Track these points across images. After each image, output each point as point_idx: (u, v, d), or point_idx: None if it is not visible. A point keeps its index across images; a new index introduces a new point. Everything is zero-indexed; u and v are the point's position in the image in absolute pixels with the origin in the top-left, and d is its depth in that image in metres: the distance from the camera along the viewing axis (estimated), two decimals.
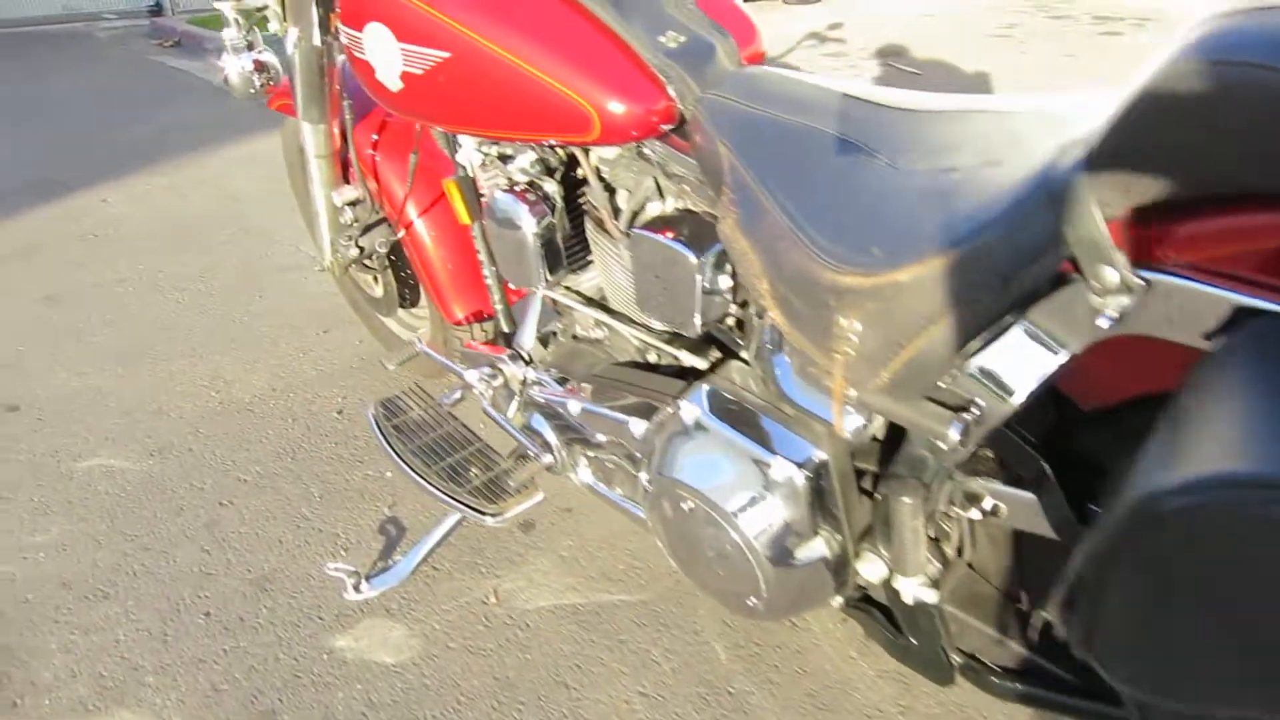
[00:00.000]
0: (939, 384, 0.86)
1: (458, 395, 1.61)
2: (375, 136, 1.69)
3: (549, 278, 1.32)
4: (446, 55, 1.14)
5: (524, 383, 1.48)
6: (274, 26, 1.51)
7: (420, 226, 1.70)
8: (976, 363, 0.83)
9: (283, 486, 1.82)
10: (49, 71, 6.27)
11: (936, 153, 0.88)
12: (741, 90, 1.08)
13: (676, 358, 1.28)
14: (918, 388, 0.87)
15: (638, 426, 1.25)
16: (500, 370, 1.48)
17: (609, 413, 1.30)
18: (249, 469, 1.88)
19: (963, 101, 0.94)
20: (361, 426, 2.01)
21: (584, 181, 1.30)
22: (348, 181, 1.82)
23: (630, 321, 1.36)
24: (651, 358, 1.38)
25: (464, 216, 1.52)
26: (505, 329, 1.64)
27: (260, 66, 1.51)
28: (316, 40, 1.49)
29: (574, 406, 1.37)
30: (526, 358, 1.49)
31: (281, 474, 1.86)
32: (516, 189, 1.28)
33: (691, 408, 1.13)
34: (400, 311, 2.12)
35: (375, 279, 2.01)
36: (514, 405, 1.50)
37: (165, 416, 2.07)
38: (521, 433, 1.44)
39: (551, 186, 1.29)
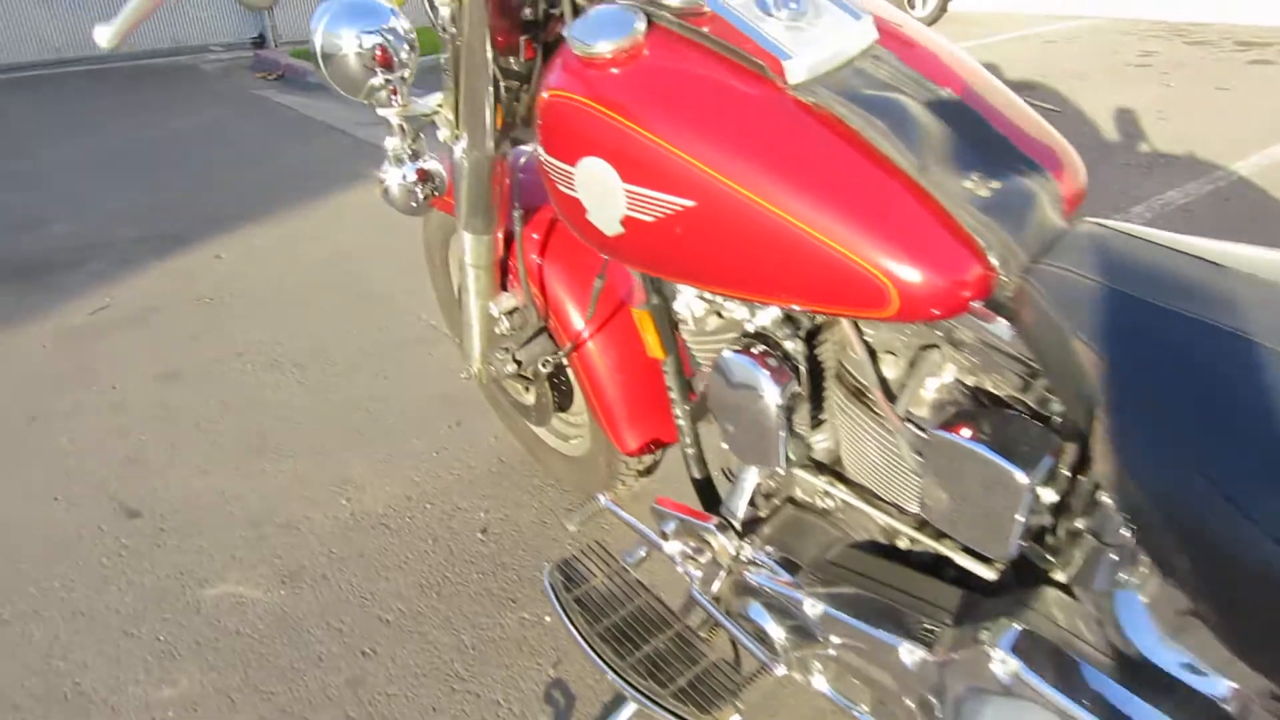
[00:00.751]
0: None
1: (642, 554, 1.38)
2: (545, 249, 1.48)
3: (790, 458, 1.07)
4: (690, 204, 0.91)
5: (735, 558, 1.23)
6: (442, 134, 1.31)
7: (595, 349, 1.48)
8: None
9: (430, 632, 1.61)
10: (161, 111, 6.32)
11: None
12: (1085, 259, 0.82)
13: (949, 559, 1.02)
14: None
15: (911, 655, 0.99)
16: (708, 544, 1.25)
17: (868, 629, 1.04)
18: (390, 605, 1.67)
19: None
20: (509, 551, 1.79)
21: (826, 337, 1.05)
22: (504, 288, 1.62)
23: (879, 501, 1.11)
24: (902, 544, 1.13)
25: (656, 350, 1.31)
26: (694, 474, 1.41)
27: (424, 176, 1.30)
28: (490, 150, 1.28)
29: (812, 608, 1.12)
30: (738, 528, 1.25)
31: (427, 613, 1.65)
32: (754, 350, 1.03)
33: (1006, 657, 0.87)
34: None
35: (526, 387, 1.80)
36: (718, 581, 1.26)
37: (294, 531, 1.88)
38: (738, 626, 1.19)
39: (795, 346, 1.04)
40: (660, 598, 1.32)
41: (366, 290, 3.08)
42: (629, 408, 1.52)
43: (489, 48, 1.16)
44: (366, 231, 3.68)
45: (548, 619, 1.62)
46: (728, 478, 1.43)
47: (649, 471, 1.73)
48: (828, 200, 0.85)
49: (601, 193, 0.98)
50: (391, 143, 1.29)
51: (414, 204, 1.33)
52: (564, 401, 1.82)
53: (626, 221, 0.98)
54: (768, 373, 1.02)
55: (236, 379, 2.53)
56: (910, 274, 0.83)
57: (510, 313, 1.60)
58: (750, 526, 1.25)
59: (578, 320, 1.49)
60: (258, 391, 2.46)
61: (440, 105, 1.28)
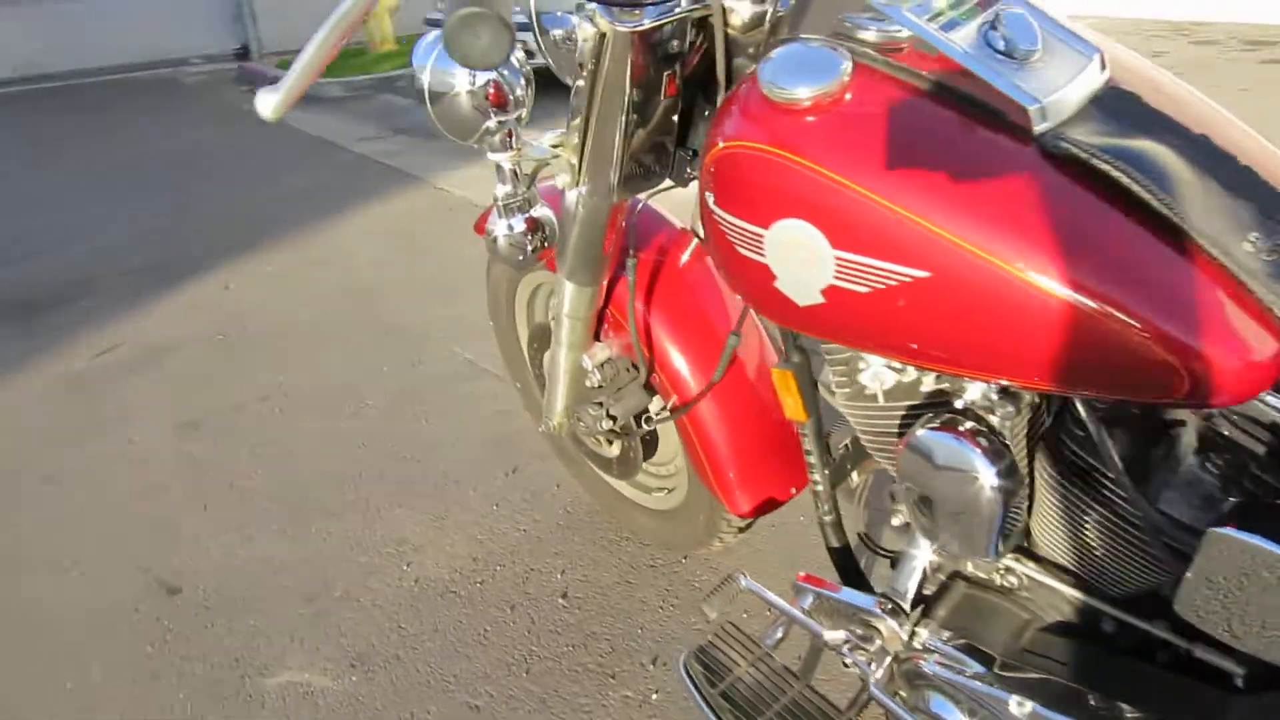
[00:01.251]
0: None
1: (780, 634, 1.24)
2: (654, 300, 1.34)
3: (1000, 548, 0.93)
4: (922, 274, 0.76)
5: (907, 644, 1.09)
6: (560, 181, 1.15)
7: (711, 406, 1.34)
8: None
9: (529, 719, 1.46)
10: (146, 129, 6.10)
11: None
12: None
13: (1166, 642, 0.89)
14: None
15: None
16: (874, 629, 1.10)
17: None
18: (478, 689, 1.51)
19: None
20: (596, 618, 1.64)
21: (1045, 410, 0.92)
22: (597, 338, 1.47)
23: (1085, 583, 0.97)
24: (1108, 628, 1.00)
25: (797, 412, 1.17)
26: (832, 543, 1.27)
27: (534, 226, 1.15)
28: (613, 198, 1.13)
29: (1019, 708, 0.97)
30: (907, 609, 1.11)
31: (521, 697, 1.49)
32: (961, 427, 0.89)
33: None
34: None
35: (610, 440, 1.65)
36: (882, 668, 1.12)
37: (355, 604, 1.72)
38: None
39: (1010, 421, 0.90)
40: (818, 690, 1.18)
41: (392, 321, 2.91)
42: (745, 468, 1.38)
43: (628, 85, 1.01)
44: (383, 255, 3.51)
45: (655, 697, 1.47)
46: (871, 548, 1.30)
47: (747, 528, 1.59)
48: (1100, 269, 0.71)
49: (802, 260, 0.83)
50: (502, 191, 1.13)
51: (521, 257, 1.17)
52: (648, 455, 1.68)
53: (830, 291, 0.83)
54: (982, 453, 0.88)
55: (264, 427, 2.36)
56: (1204, 354, 0.69)
57: (601, 365, 1.46)
58: (919, 607, 1.11)
59: (690, 375, 1.35)
60: (290, 440, 2.28)
61: (560, 148, 1.13)
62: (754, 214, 0.85)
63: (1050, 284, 0.72)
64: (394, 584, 1.77)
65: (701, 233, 1.36)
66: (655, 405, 1.48)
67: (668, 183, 1.18)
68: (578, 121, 1.08)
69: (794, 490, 1.42)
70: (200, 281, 3.38)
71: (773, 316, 0.93)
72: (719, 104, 0.96)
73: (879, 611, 1.10)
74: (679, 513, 1.66)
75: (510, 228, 1.15)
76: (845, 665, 1.14)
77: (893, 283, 0.79)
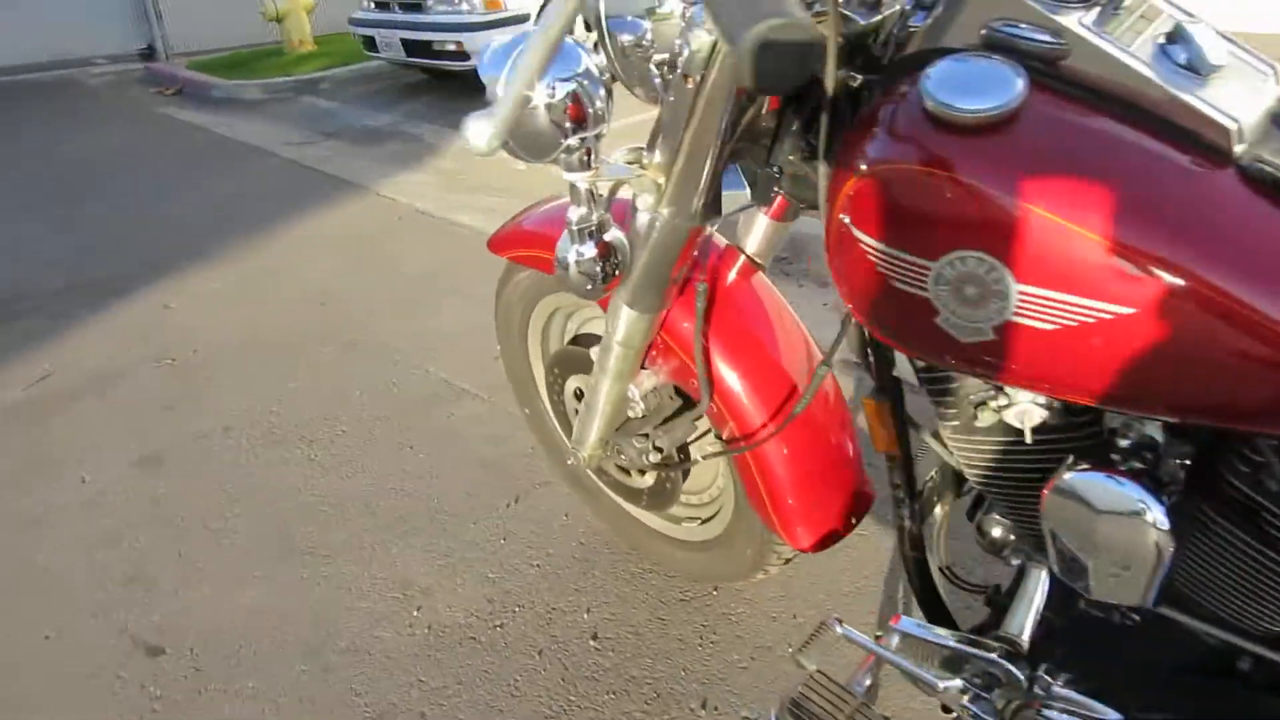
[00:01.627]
0: None
1: (869, 681, 1.16)
2: (718, 328, 1.25)
3: (1159, 594, 0.87)
4: (1125, 310, 0.69)
5: (1027, 690, 1.03)
6: (643, 203, 1.04)
7: (781, 439, 1.25)
8: None
9: None
10: (55, 133, 5.71)
11: None
12: None
13: None
14: None
15: None
16: (992, 675, 1.03)
17: None
18: None
19: None
20: (633, 660, 1.54)
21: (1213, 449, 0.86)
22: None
23: (1220, 620, 0.92)
24: (1245, 666, 0.95)
25: (890, 444, 1.10)
26: (916, 582, 1.20)
27: (607, 252, 1.04)
28: (697, 221, 1.03)
29: None
30: (1025, 651, 1.04)
31: None
32: (1122, 469, 0.83)
33: None
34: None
35: (642, 470, 1.55)
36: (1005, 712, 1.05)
37: (366, 657, 1.58)
38: None
39: (1175, 462, 0.84)
40: None
41: (356, 338, 2.74)
42: (810, 501, 1.30)
43: (731, 99, 0.91)
44: (334, 268, 3.32)
45: None
46: (956, 582, 1.23)
47: (793, 559, 1.51)
48: None
49: (975, 295, 0.75)
50: (576, 214, 1.02)
51: (591, 286, 1.06)
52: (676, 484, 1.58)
53: (1005, 328, 0.75)
54: (1148, 495, 0.81)
55: (233, 460, 2.18)
56: None
57: (646, 395, 1.36)
58: (1039, 648, 1.05)
59: (756, 405, 1.26)
60: (264, 475, 2.11)
61: (638, 164, 1.02)
62: (918, 245, 0.77)
63: (1272, 317, 0.65)
64: (405, 632, 1.63)
65: (750, 250, 1.29)
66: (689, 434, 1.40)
67: (747, 203, 1.09)
68: (667, 137, 0.98)
69: (854, 521, 1.35)
70: (136, 301, 3.14)
71: (922, 352, 0.84)
72: (825, 121, 0.87)
73: (996, 656, 1.04)
74: (717, 544, 1.56)
75: (581, 253, 1.04)
76: (949, 712, 1.07)
77: (1088, 319, 0.71)
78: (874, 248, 0.80)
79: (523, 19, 5.29)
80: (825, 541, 1.35)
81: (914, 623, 1.12)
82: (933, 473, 1.19)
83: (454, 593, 1.71)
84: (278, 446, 2.22)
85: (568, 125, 0.93)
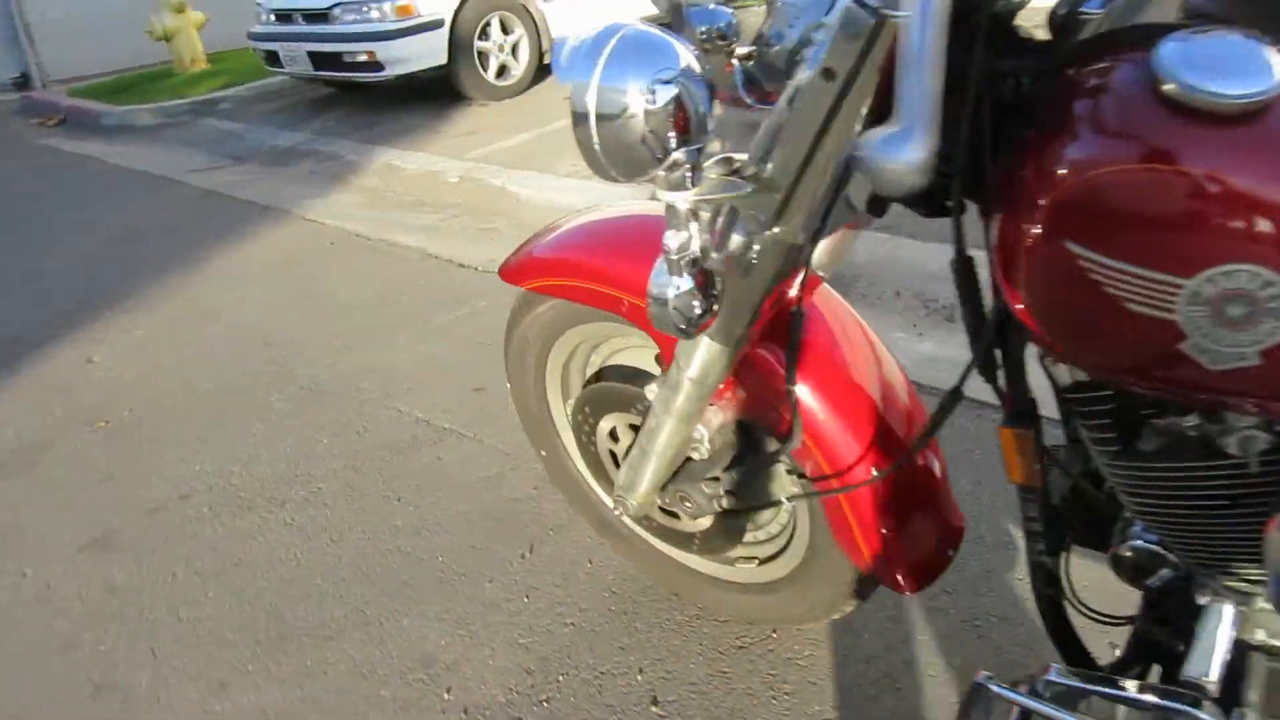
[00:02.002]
0: None
1: None
2: (812, 362, 1.10)
3: None
4: None
5: None
6: (739, 234, 0.88)
7: (882, 486, 1.11)
8: None
9: None
10: None
11: None
12: None
13: None
14: None
15: None
16: None
17: None
18: None
19: None
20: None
21: None
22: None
23: None
24: None
25: (1022, 474, 0.97)
26: (1051, 623, 1.07)
27: (707, 282, 0.88)
28: (811, 244, 0.88)
29: None
30: (1212, 695, 0.92)
31: None
32: None
33: None
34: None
35: (694, 515, 1.39)
36: None
37: None
38: None
39: None
40: None
41: (312, 382, 2.50)
42: (912, 540, 1.17)
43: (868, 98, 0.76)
44: (271, 302, 3.05)
45: None
46: (1092, 615, 1.11)
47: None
48: None
49: (1242, 314, 0.62)
50: (675, 241, 0.85)
51: (685, 325, 0.90)
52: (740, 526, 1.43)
53: (1275, 351, 0.62)
54: None
55: (196, 534, 1.93)
56: None
57: (713, 435, 1.20)
58: (1227, 693, 0.93)
59: (849, 440, 1.11)
60: (236, 548, 1.87)
61: (758, 180, 0.86)
62: (1168, 260, 0.63)
63: None
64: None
65: (813, 260, 1.14)
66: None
67: (853, 217, 0.94)
68: (786, 145, 0.82)
69: (951, 554, 1.22)
70: (52, 356, 2.82)
71: (1155, 383, 0.71)
72: (985, 120, 0.72)
73: (1185, 706, 0.91)
74: (783, 585, 1.41)
75: (680, 287, 0.88)
76: None
77: None
78: (1102, 264, 0.66)
79: (437, 24, 5.04)
80: (926, 581, 1.22)
81: (1074, 672, 0.99)
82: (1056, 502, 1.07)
83: (485, 666, 1.52)
84: (246, 513, 1.98)
85: (670, 136, 0.77)
